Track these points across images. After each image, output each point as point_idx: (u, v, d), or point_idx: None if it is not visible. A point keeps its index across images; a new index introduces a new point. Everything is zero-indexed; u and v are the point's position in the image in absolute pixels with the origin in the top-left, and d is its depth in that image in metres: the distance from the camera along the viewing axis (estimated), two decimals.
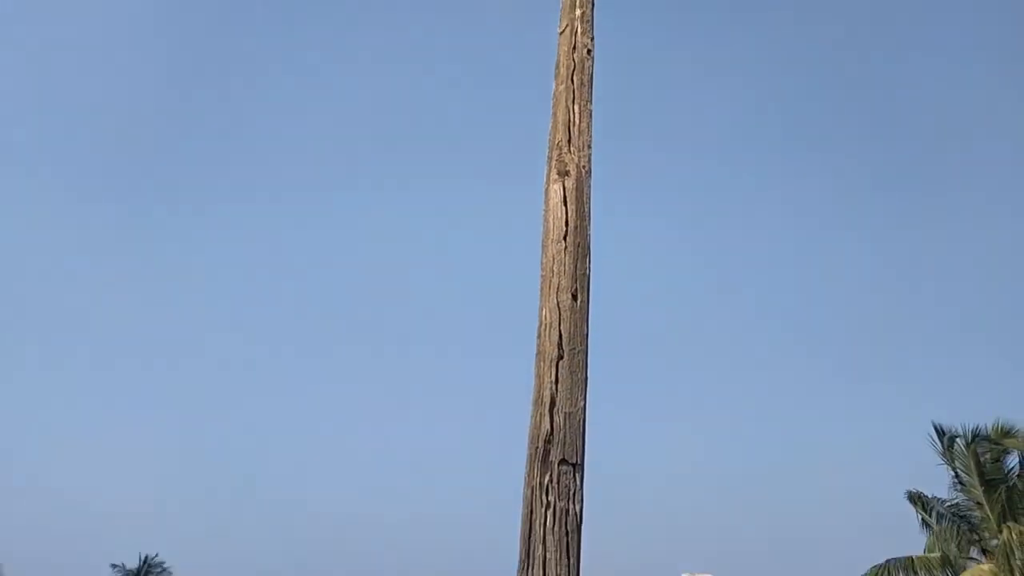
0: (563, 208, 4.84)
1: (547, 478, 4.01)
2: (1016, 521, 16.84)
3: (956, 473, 18.71)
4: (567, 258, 4.66)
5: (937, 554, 17.90)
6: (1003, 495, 17.43)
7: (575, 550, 3.91)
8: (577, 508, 3.98)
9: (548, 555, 3.82)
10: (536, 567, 3.81)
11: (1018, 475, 17.66)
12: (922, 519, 18.59)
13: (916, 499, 18.77)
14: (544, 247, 4.84)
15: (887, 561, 18.20)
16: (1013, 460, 18.13)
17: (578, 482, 4.07)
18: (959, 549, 18.02)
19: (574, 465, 4.09)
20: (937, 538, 18.28)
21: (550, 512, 3.91)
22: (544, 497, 3.96)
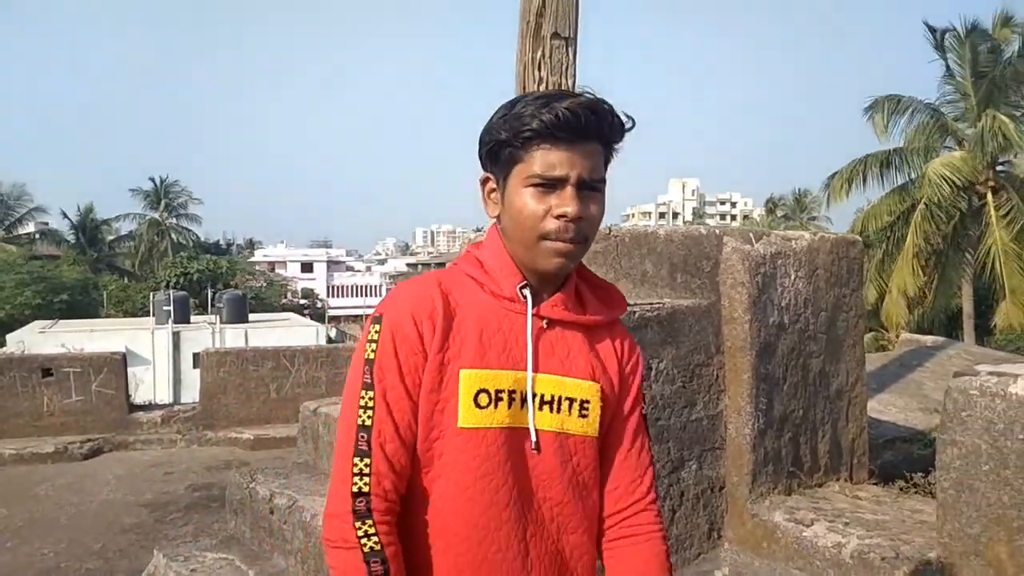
0: None
1: (539, 53, 3.87)
2: (998, 109, 17.20)
3: (948, 66, 18.59)
4: None
5: (917, 146, 18.60)
6: (991, 84, 17.52)
7: None
8: (570, 83, 3.92)
9: None
10: None
11: (1009, 64, 17.50)
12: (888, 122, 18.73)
13: (884, 103, 18.76)
14: None
15: (866, 156, 19.02)
16: (1010, 51, 17.85)
17: (571, 56, 3.95)
18: (931, 142, 18.67)
19: (567, 39, 3.93)
20: (917, 131, 18.83)
21: (543, 87, 3.86)
22: (536, 72, 3.87)
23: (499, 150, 1.19)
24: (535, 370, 1.20)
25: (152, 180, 48.27)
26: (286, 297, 48.43)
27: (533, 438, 1.19)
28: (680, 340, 3.32)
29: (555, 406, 1.21)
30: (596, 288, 1.33)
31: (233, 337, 21.38)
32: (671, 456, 3.32)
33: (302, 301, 52.72)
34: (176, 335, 21.24)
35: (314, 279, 71.31)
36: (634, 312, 3.15)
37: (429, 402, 1.16)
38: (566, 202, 1.15)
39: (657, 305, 3.25)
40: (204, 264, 36.98)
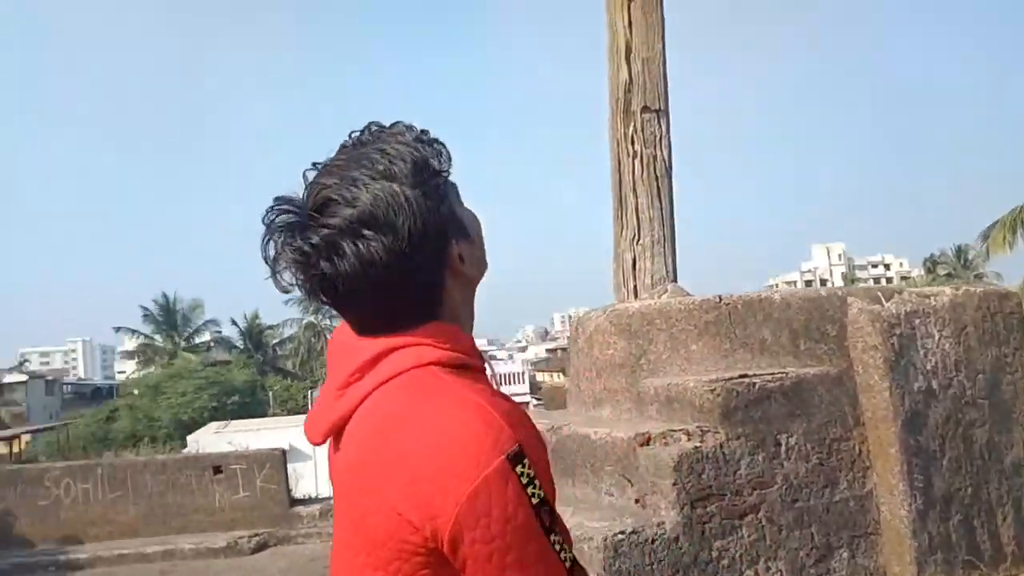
0: None
1: (631, 128, 3.91)
2: None
3: None
4: None
5: None
6: None
7: (666, 194, 3.92)
8: (664, 154, 3.91)
9: (639, 202, 3.85)
10: (629, 214, 3.88)
11: None
12: None
13: None
14: None
15: None
16: None
17: (663, 128, 3.95)
18: None
19: (657, 111, 3.94)
20: None
21: (637, 160, 3.87)
22: (630, 147, 3.90)
23: (439, 206, 1.00)
24: None
25: None
26: None
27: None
28: (810, 412, 3.07)
29: None
30: None
31: None
32: (815, 543, 3.02)
33: None
34: None
35: None
36: (754, 383, 2.97)
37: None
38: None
39: (779, 375, 3.05)
40: None
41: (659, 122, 3.91)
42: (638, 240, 3.81)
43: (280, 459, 8.90)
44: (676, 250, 3.88)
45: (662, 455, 2.79)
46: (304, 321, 52.15)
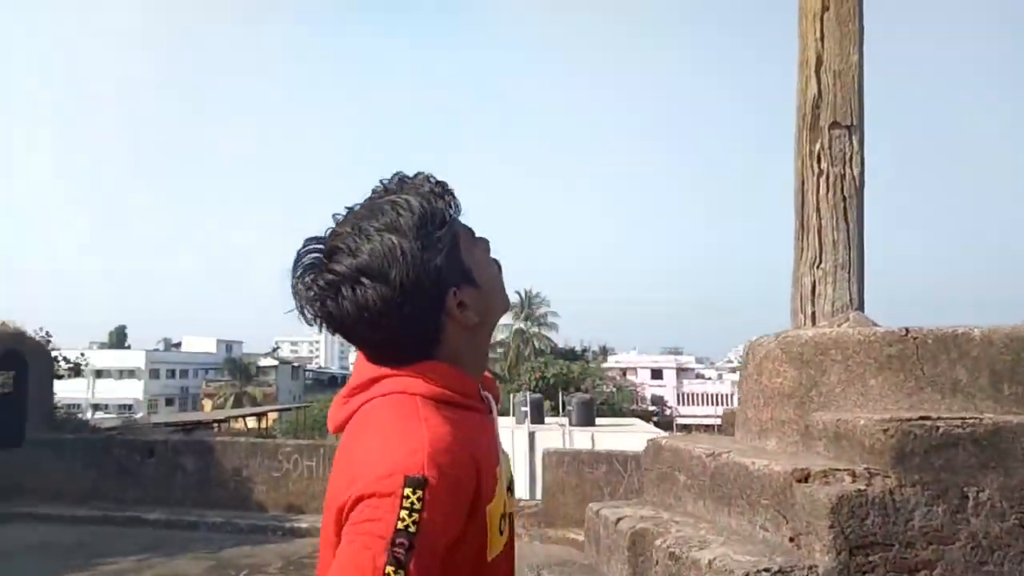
0: None
1: (818, 144, 3.68)
2: None
3: None
4: None
5: None
6: None
7: (855, 216, 3.64)
8: (855, 172, 3.63)
9: (823, 223, 3.62)
10: (811, 236, 3.66)
11: None
12: None
13: None
14: None
15: None
16: None
17: (855, 145, 3.67)
18: None
19: (849, 127, 3.67)
20: None
21: (823, 179, 3.64)
22: (816, 165, 3.67)
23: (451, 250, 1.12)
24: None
25: (518, 293, 54.51)
26: (635, 403, 49.47)
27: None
28: (1009, 465, 2.72)
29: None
30: None
31: (581, 439, 22.47)
32: None
33: (651, 407, 53.29)
34: (532, 435, 23.04)
35: (663, 386, 71.72)
36: (937, 427, 2.70)
37: (464, 547, 1.00)
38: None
39: (972, 420, 2.73)
40: (558, 369, 39.92)
41: (850, 138, 3.63)
42: (819, 264, 3.57)
43: None
44: (864, 276, 3.57)
45: (819, 494, 2.62)
46: (514, 327, 54.36)
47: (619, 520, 3.41)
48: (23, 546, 8.46)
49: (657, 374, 75.13)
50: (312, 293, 1.00)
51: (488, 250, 1.12)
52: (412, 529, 0.89)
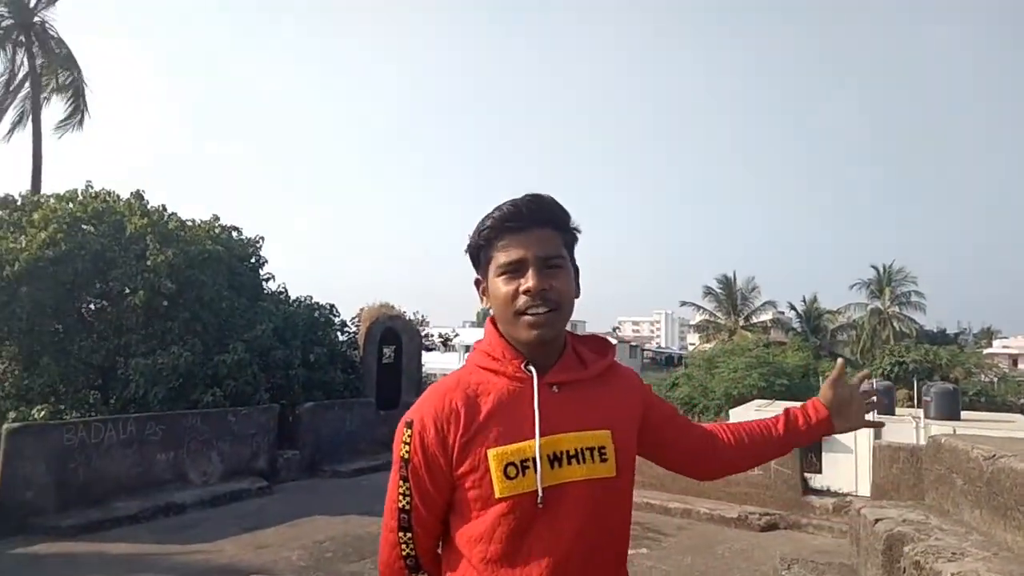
0: None
1: None
2: None
3: None
4: None
5: None
6: None
7: None
8: None
9: None
10: None
11: None
12: None
13: None
14: None
15: None
16: None
17: None
18: None
19: None
20: None
21: None
22: None
23: (477, 254, 1.47)
24: (553, 432, 1.36)
25: (875, 268, 48.81)
26: None
27: (540, 495, 1.32)
28: None
29: (581, 458, 1.36)
30: (589, 343, 1.53)
31: (938, 434, 19.64)
32: None
33: None
34: None
35: None
36: None
37: (470, 481, 1.35)
38: (528, 279, 1.37)
39: None
40: (921, 354, 35.00)
41: None
42: None
43: None
44: None
45: None
46: (870, 307, 48.99)
47: (877, 521, 3.14)
48: None
49: None
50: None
51: (510, 279, 1.41)
52: (405, 456, 1.39)
